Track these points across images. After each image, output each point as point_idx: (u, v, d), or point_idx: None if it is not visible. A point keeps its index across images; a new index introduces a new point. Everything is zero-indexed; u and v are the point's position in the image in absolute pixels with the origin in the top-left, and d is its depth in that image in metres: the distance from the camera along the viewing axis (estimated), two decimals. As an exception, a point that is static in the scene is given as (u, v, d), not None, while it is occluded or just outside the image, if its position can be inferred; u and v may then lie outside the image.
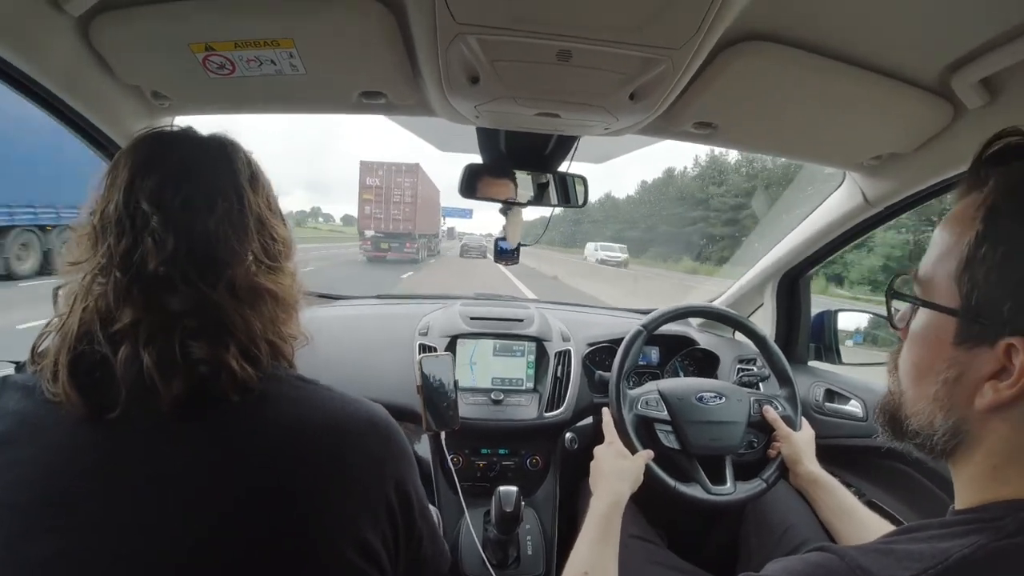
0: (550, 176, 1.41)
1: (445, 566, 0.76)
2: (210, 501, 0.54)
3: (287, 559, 0.55)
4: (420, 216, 25.78)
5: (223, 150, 0.67)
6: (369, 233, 24.83)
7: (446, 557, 0.76)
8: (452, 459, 1.37)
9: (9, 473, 0.54)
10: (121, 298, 0.58)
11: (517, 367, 1.62)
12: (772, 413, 1.29)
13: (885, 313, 0.63)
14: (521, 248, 1.61)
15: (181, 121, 1.23)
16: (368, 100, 1.11)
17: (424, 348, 1.57)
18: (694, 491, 1.21)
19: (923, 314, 0.55)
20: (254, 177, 0.68)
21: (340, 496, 0.58)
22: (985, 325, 0.48)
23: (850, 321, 1.71)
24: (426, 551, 0.70)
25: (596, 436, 1.32)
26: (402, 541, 0.65)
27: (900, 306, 0.60)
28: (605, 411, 1.29)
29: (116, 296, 0.58)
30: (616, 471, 1.12)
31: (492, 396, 1.54)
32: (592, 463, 1.19)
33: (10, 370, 0.64)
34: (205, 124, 0.72)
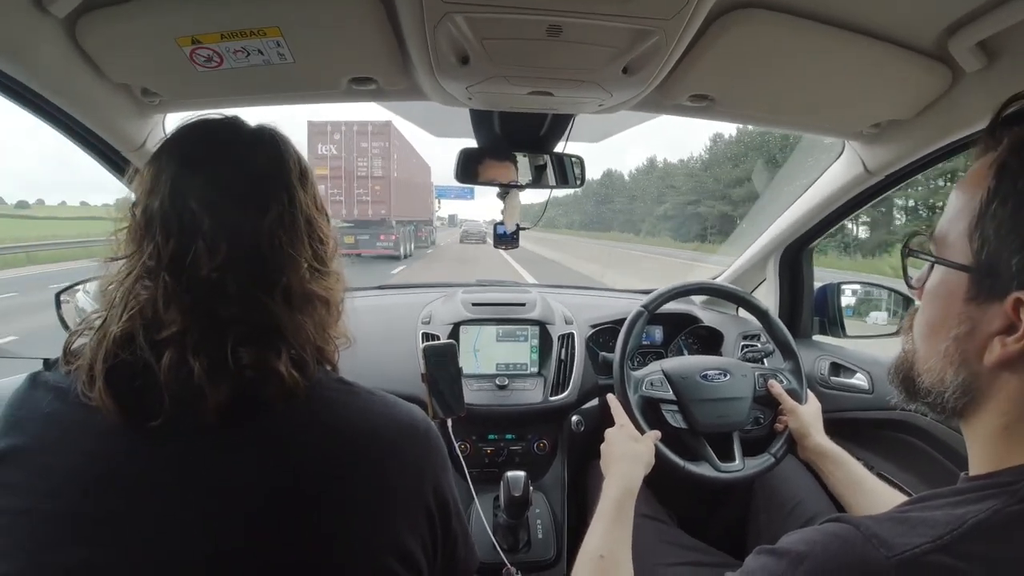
0: (547, 157, 1.40)
1: (475, 566, 0.75)
2: (250, 509, 0.53)
3: (328, 568, 0.54)
4: (398, 195, 18.86)
5: (275, 146, 0.64)
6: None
7: (476, 557, 0.75)
8: (460, 446, 1.38)
9: (41, 481, 0.53)
10: (170, 304, 0.55)
11: (521, 352, 1.62)
12: (777, 387, 1.29)
13: (887, 286, 0.63)
14: (521, 232, 1.59)
15: (172, 118, 1.22)
16: (359, 86, 1.09)
17: (427, 336, 1.57)
18: (703, 469, 1.21)
19: (937, 272, 0.55)
20: (303, 174, 0.65)
21: (381, 503, 0.57)
22: (995, 280, 0.48)
23: (854, 293, 1.70)
24: (460, 552, 0.69)
25: (602, 418, 1.32)
26: (439, 545, 0.64)
27: (915, 272, 0.61)
28: (611, 395, 1.29)
29: (165, 301, 0.55)
30: (630, 454, 1.12)
31: (497, 381, 1.54)
32: (603, 446, 1.18)
33: (39, 367, 0.63)
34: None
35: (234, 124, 0.65)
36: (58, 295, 1.23)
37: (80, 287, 1.26)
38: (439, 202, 25.94)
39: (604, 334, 1.72)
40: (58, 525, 0.51)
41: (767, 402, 1.31)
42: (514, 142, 1.39)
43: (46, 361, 0.63)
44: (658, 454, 1.18)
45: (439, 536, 0.63)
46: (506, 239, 1.60)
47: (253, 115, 0.66)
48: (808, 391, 1.32)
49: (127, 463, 0.53)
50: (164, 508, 0.52)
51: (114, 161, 1.18)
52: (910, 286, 0.61)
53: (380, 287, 2.13)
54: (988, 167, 0.50)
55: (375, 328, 1.67)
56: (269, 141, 0.64)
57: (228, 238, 0.57)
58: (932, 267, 0.56)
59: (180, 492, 0.52)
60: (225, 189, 0.59)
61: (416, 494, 0.60)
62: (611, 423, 1.23)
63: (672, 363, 1.36)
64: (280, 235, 0.59)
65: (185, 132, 0.63)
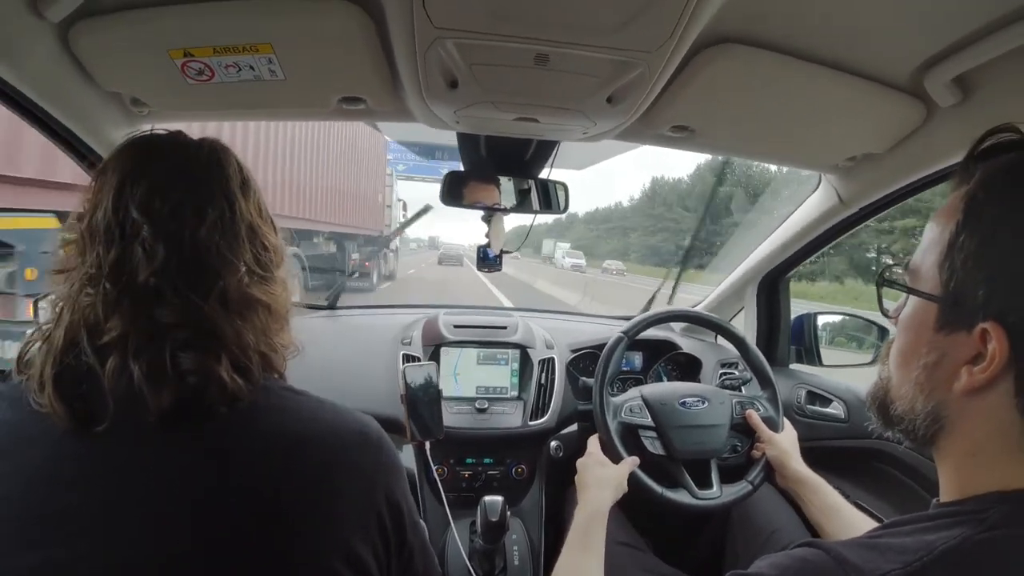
0: (531, 182, 1.42)
1: None
2: (195, 511, 0.53)
3: (273, 571, 0.54)
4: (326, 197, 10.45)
5: (214, 156, 0.66)
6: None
7: (437, 571, 0.75)
8: (437, 470, 1.36)
9: None
10: (110, 310, 0.56)
11: (501, 375, 1.62)
12: (755, 417, 1.30)
13: (863, 316, 0.65)
14: (503, 255, 1.61)
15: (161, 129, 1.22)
16: (348, 106, 1.11)
17: (407, 358, 1.56)
18: (681, 496, 1.21)
19: (911, 302, 0.57)
20: (245, 183, 0.67)
21: (329, 508, 0.57)
22: (963, 311, 0.50)
23: (829, 323, 1.74)
24: (417, 565, 0.69)
25: (581, 443, 1.32)
26: (393, 555, 0.64)
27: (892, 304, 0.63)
28: (592, 437, 1.28)
29: (105, 307, 0.56)
30: (596, 480, 1.12)
31: (476, 405, 1.53)
32: (576, 476, 1.18)
33: None
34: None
35: (175, 138, 0.67)
36: (36, 302, 1.21)
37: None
38: (403, 207, 16.18)
39: (584, 359, 1.72)
40: (14, 530, 0.51)
41: (744, 430, 1.32)
42: (499, 166, 1.41)
43: (1, 373, 0.63)
44: (636, 480, 1.17)
45: (393, 545, 0.63)
46: (489, 262, 1.60)
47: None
48: (784, 419, 1.34)
49: (77, 466, 0.54)
50: (113, 511, 0.52)
51: (99, 168, 1.17)
52: (887, 315, 0.63)
53: (361, 306, 2.12)
54: (960, 200, 0.52)
55: (355, 347, 1.66)
56: (208, 152, 0.66)
57: (166, 244, 0.58)
58: (907, 298, 0.58)
59: (129, 494, 0.53)
60: (164, 197, 0.60)
61: (366, 500, 0.61)
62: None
63: (651, 389, 1.36)
64: (218, 240, 0.61)
65: (128, 146, 0.65)
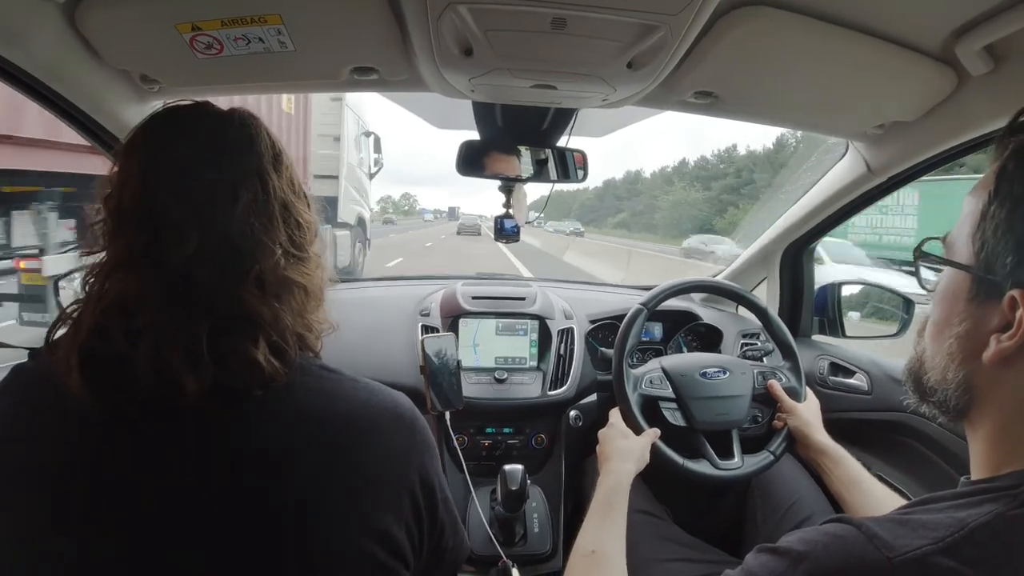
0: (549, 151, 1.39)
1: (464, 556, 0.75)
2: (231, 493, 0.53)
3: (309, 550, 0.54)
4: None
5: (245, 129, 0.62)
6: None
7: (466, 547, 0.75)
8: (457, 439, 1.38)
9: (22, 473, 0.53)
10: (142, 295, 0.55)
11: (520, 346, 1.62)
12: (777, 388, 1.28)
13: (888, 287, 0.65)
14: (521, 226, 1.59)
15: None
16: (360, 76, 1.08)
17: (426, 329, 1.57)
18: (702, 467, 1.21)
19: (946, 274, 0.58)
20: (277, 158, 0.64)
21: (363, 487, 0.57)
22: (993, 280, 0.50)
23: (853, 294, 1.70)
24: (447, 542, 0.69)
25: (600, 413, 1.32)
26: (426, 532, 0.64)
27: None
28: (614, 409, 1.28)
29: (137, 293, 0.55)
30: (618, 451, 1.12)
31: (496, 375, 1.54)
32: (597, 447, 1.19)
33: (24, 358, 0.63)
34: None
35: (203, 110, 0.64)
36: (56, 282, 1.23)
37: (78, 274, 1.26)
38: (374, 142, 10.14)
39: (603, 330, 1.72)
40: (43, 515, 0.51)
41: (766, 400, 1.31)
42: (516, 135, 1.39)
43: (31, 351, 0.63)
44: (657, 451, 1.17)
45: (425, 523, 0.63)
46: (506, 233, 1.59)
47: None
48: (807, 389, 1.32)
49: (107, 452, 0.53)
50: (146, 495, 0.52)
51: (112, 147, 1.17)
52: (925, 289, 0.63)
53: (379, 279, 2.13)
54: (993, 172, 0.52)
55: (374, 320, 1.67)
56: (239, 125, 0.63)
57: (199, 228, 0.56)
58: (945, 271, 0.58)
59: (160, 479, 0.53)
60: (195, 178, 0.58)
61: (400, 479, 0.60)
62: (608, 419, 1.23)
63: (672, 360, 1.35)
64: (253, 223, 0.58)
65: (154, 122, 0.62)
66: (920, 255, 0.61)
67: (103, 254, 0.59)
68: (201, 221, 0.56)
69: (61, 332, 0.59)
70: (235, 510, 0.53)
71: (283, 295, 0.60)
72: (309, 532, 0.54)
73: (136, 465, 0.53)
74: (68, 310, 0.59)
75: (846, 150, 1.42)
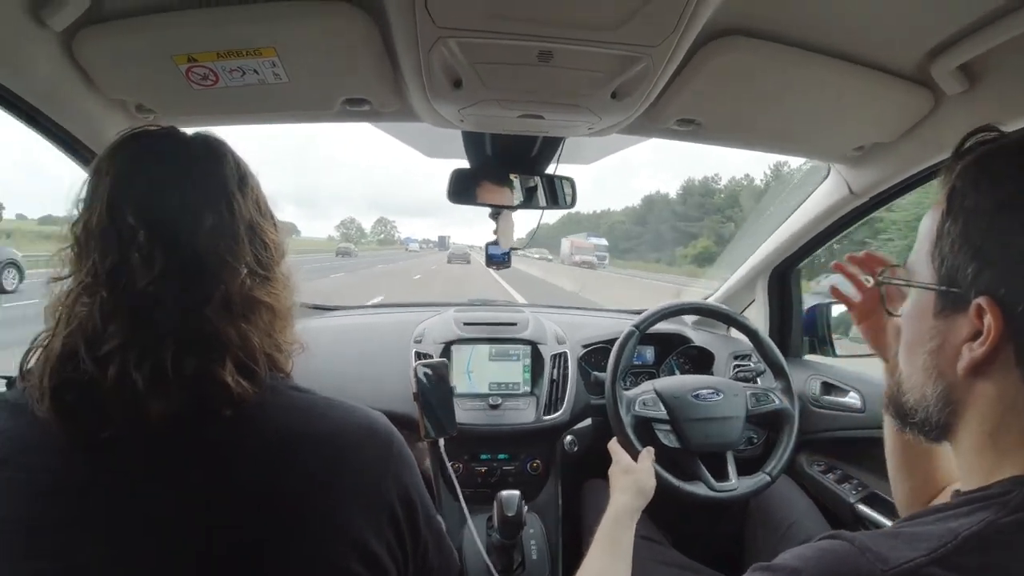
0: (538, 179, 1.41)
1: (455, 574, 0.74)
2: (202, 517, 0.53)
3: (290, 571, 0.54)
4: None
5: (210, 153, 0.63)
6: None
7: (455, 566, 0.74)
8: (452, 466, 1.37)
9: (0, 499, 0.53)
10: (109, 319, 0.55)
11: (513, 371, 1.62)
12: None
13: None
14: (512, 252, 1.60)
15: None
16: (352, 107, 1.11)
17: (419, 355, 1.56)
18: (698, 488, 1.21)
19: (911, 296, 0.59)
20: (243, 180, 0.64)
21: (339, 504, 0.57)
22: (958, 292, 0.51)
23: (843, 312, 1.71)
24: (432, 561, 0.68)
25: (595, 438, 1.31)
26: (408, 550, 0.63)
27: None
28: (612, 442, 1.26)
29: (103, 317, 0.55)
30: (620, 486, 1.12)
31: (490, 401, 1.54)
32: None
33: (1, 386, 0.63)
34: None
35: (169, 134, 0.64)
36: (47, 308, 1.22)
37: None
38: None
39: (596, 354, 1.72)
40: (17, 539, 0.51)
41: (759, 422, 1.31)
42: (506, 163, 1.41)
43: (8, 380, 0.62)
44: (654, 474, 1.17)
45: (408, 542, 0.63)
46: (498, 259, 1.60)
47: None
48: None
49: (80, 476, 0.53)
50: (118, 519, 0.52)
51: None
52: (891, 315, 0.64)
53: (372, 305, 2.13)
54: (944, 194, 0.54)
55: (367, 347, 1.67)
56: (203, 149, 0.63)
57: (164, 250, 0.56)
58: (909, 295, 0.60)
59: (132, 502, 0.53)
60: (160, 201, 0.58)
61: (377, 496, 0.60)
62: (603, 443, 1.23)
63: (664, 383, 1.36)
64: (218, 243, 0.59)
65: (120, 146, 0.62)
66: (881, 283, 0.64)
67: (70, 280, 0.59)
68: (166, 242, 0.57)
69: (33, 358, 0.58)
70: (211, 534, 0.53)
71: (250, 315, 0.60)
72: (291, 553, 0.54)
73: (108, 491, 0.53)
74: (39, 337, 0.59)
75: (828, 173, 1.45)
